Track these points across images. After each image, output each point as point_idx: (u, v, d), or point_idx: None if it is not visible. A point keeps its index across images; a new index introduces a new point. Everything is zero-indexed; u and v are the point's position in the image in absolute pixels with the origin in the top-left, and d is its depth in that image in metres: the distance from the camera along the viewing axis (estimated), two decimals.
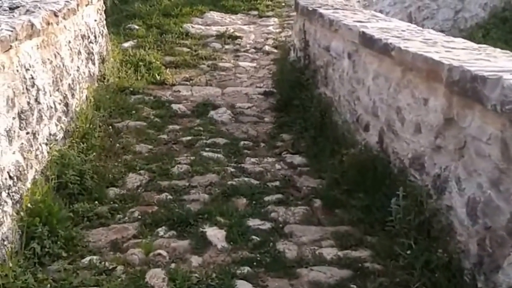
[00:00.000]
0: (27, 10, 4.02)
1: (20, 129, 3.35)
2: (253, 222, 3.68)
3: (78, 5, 5.22)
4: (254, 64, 8.11)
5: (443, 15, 10.71)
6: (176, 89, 6.78)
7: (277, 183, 4.40)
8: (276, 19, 10.14)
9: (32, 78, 3.74)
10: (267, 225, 3.67)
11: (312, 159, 4.90)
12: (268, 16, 10.30)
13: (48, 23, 4.11)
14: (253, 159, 4.92)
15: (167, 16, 9.75)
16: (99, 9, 6.72)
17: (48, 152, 3.87)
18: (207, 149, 5.05)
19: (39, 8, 4.15)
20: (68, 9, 4.80)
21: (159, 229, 3.57)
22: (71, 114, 4.72)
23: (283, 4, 10.92)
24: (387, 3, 10.16)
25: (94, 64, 6.08)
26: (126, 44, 8.47)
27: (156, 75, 7.10)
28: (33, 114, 3.62)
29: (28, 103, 3.57)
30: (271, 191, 4.21)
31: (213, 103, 6.31)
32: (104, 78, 6.31)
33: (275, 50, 8.56)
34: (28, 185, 3.37)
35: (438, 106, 3.19)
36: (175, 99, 6.44)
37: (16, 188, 3.16)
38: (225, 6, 10.54)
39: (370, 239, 3.47)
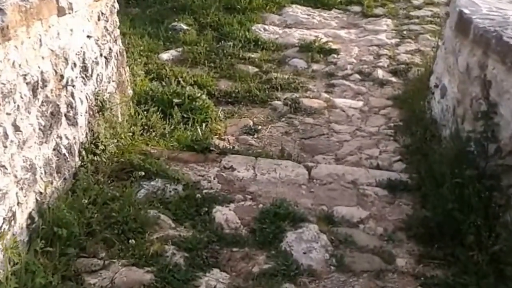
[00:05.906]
0: None
1: None
2: None
3: (6, 27, 2.31)
4: (360, 104, 4.97)
5: None
6: (227, 162, 3.80)
7: None
8: (389, 21, 6.84)
9: None
10: None
11: None
12: (377, 16, 7.02)
13: None
14: None
15: (230, 11, 6.79)
16: (103, 13, 3.79)
17: None
18: None
19: None
20: None
21: None
22: None
23: None
24: None
25: (75, 124, 3.22)
26: (165, 56, 5.72)
27: (198, 126, 4.19)
28: None
29: None
30: None
31: (291, 209, 3.26)
32: (97, 146, 3.44)
33: (394, 79, 5.36)
34: None
35: None
36: (222, 190, 3.47)
37: None
38: None
39: None
